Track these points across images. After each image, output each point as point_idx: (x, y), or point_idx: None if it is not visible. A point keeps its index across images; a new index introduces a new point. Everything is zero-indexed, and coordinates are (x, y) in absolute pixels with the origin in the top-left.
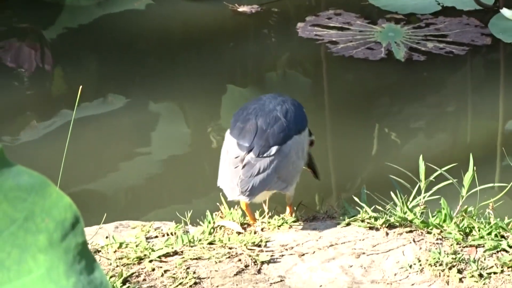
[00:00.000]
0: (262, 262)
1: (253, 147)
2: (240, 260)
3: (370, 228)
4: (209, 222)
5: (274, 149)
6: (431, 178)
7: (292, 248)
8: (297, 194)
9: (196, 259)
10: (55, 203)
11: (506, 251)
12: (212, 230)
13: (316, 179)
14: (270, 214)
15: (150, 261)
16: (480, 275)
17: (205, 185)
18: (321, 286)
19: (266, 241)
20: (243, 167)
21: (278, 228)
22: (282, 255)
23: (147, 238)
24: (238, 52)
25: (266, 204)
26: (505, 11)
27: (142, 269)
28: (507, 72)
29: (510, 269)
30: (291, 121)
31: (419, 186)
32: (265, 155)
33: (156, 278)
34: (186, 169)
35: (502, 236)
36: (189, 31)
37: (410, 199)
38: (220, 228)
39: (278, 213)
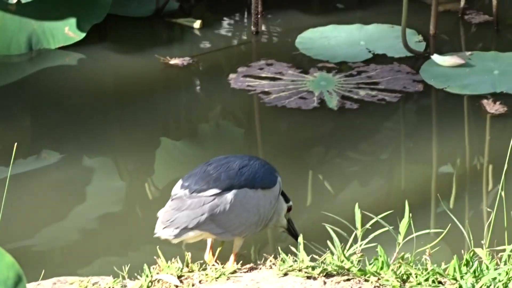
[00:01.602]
0: None
1: (191, 185)
2: None
3: (308, 277)
4: (147, 276)
5: (212, 191)
6: (367, 226)
7: None
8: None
9: None
10: None
11: None
12: (150, 284)
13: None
14: (211, 264)
15: None
16: None
17: (141, 238)
18: None
19: None
20: (172, 200)
21: (216, 280)
22: None
23: None
24: (170, 105)
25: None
26: (436, 57)
27: None
28: (439, 118)
29: None
30: (247, 174)
31: (356, 234)
32: (199, 194)
33: None
34: (122, 222)
35: (440, 282)
36: (121, 85)
37: (347, 247)
38: (158, 281)
39: (219, 262)
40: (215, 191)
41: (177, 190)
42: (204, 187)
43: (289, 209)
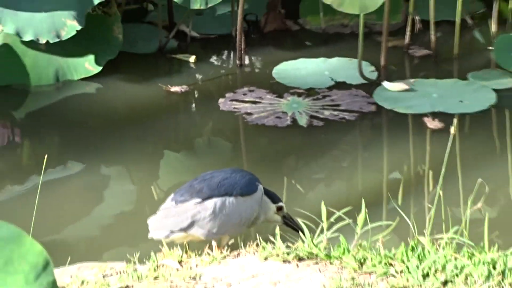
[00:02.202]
0: None
1: (177, 198)
2: None
3: (284, 261)
4: (153, 261)
5: (194, 201)
6: (331, 219)
7: (222, 279)
8: None
9: None
10: (29, 250)
11: (394, 276)
12: (156, 268)
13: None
14: (204, 252)
15: None
16: None
17: (148, 231)
18: None
19: (200, 275)
20: (161, 210)
21: (210, 264)
22: (214, 286)
23: (104, 276)
24: (171, 124)
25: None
26: (386, 84)
27: None
28: (389, 132)
29: None
30: (227, 185)
31: (322, 227)
32: (184, 204)
33: None
34: (133, 219)
35: (390, 264)
36: (132, 108)
37: (315, 237)
38: (163, 266)
39: (211, 250)
40: (197, 200)
41: (166, 203)
42: (188, 198)
43: (278, 208)
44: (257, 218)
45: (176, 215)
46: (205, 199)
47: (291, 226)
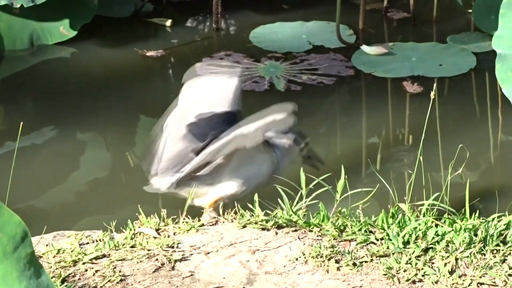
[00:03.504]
0: (175, 261)
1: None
2: (157, 259)
3: (263, 229)
4: (130, 229)
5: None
6: (310, 186)
7: (199, 248)
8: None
9: (121, 260)
10: (7, 221)
11: (374, 243)
12: (133, 236)
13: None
14: (182, 218)
15: (84, 263)
16: (354, 264)
17: (126, 198)
18: (224, 278)
19: (178, 243)
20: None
21: (187, 232)
22: (192, 254)
23: (80, 245)
24: (148, 89)
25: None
26: (364, 47)
27: (77, 270)
28: (367, 97)
29: (378, 258)
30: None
31: (301, 194)
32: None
33: (89, 277)
34: (109, 186)
35: (371, 231)
36: (107, 73)
37: (294, 204)
38: (140, 234)
39: (188, 218)
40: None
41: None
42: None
43: (304, 146)
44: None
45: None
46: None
47: (311, 162)
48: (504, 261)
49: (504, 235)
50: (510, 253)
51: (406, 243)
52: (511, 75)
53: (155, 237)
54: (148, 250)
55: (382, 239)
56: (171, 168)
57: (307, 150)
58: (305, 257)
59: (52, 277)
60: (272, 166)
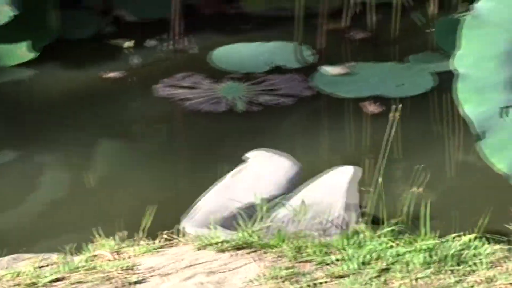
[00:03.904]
0: (133, 283)
1: None
2: (114, 282)
3: (220, 250)
4: (87, 252)
5: None
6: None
7: (157, 270)
8: (160, 225)
9: (78, 283)
10: None
11: (332, 264)
12: (90, 258)
13: None
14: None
15: (41, 286)
16: (312, 285)
17: (84, 220)
18: None
19: (136, 265)
20: None
21: (145, 254)
22: (149, 276)
23: (38, 268)
24: (107, 111)
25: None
26: (324, 68)
27: None
28: (328, 117)
29: (336, 279)
30: None
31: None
32: None
33: None
34: (68, 208)
35: (328, 253)
36: (68, 94)
37: (252, 225)
38: (97, 256)
39: (146, 240)
40: None
41: None
42: None
43: None
44: None
45: None
46: None
47: None
48: (460, 281)
49: (461, 255)
50: (467, 274)
51: (363, 264)
52: (471, 95)
53: (112, 260)
54: (106, 272)
55: (339, 260)
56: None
57: None
58: (262, 279)
59: None
60: None
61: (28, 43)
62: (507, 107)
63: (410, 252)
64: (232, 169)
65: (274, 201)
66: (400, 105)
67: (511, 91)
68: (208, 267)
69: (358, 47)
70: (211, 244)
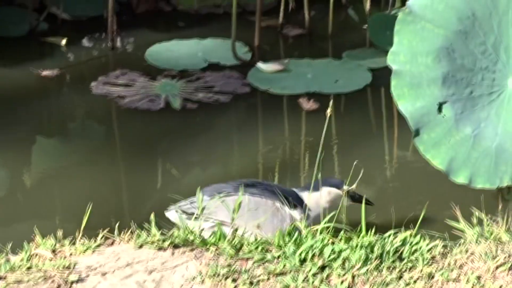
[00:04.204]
0: (72, 282)
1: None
2: (53, 281)
3: (159, 249)
4: (26, 251)
5: None
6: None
7: (96, 269)
8: (98, 223)
9: (17, 282)
10: None
11: (271, 262)
12: (29, 257)
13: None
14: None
15: None
16: (251, 283)
17: (21, 219)
18: None
19: (75, 264)
20: None
21: (84, 253)
22: (88, 275)
23: None
24: (44, 109)
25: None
26: (260, 65)
27: None
28: (264, 114)
29: (275, 276)
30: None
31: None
32: None
33: None
34: (5, 206)
35: (267, 250)
36: (2, 93)
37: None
38: (36, 255)
39: (85, 238)
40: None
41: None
42: None
43: (345, 193)
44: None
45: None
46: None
47: (359, 201)
48: (400, 277)
49: (400, 251)
50: (406, 270)
51: (303, 261)
52: (406, 91)
53: (51, 259)
54: (45, 271)
55: (279, 257)
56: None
57: (352, 193)
58: (202, 277)
59: None
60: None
61: None
62: (443, 102)
63: (349, 248)
64: (169, 167)
65: (214, 198)
66: (331, 102)
67: (448, 87)
68: (147, 265)
69: (293, 43)
70: (150, 242)
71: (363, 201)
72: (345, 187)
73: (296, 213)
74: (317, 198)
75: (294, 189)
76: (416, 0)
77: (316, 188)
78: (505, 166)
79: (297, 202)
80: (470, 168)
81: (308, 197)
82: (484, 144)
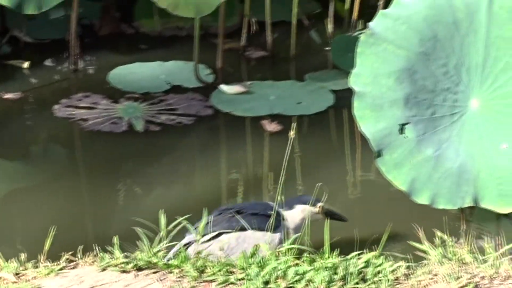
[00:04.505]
0: None
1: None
2: None
3: (123, 271)
4: None
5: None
6: (170, 227)
7: None
8: (61, 246)
9: None
10: None
11: (234, 284)
12: None
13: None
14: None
15: None
16: None
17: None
18: None
19: (39, 287)
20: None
21: (47, 276)
22: None
23: None
24: (5, 132)
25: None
26: (223, 87)
27: None
28: (227, 136)
29: None
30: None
31: (161, 235)
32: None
33: None
34: None
35: (231, 272)
36: None
37: (154, 245)
38: None
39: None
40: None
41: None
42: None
43: (320, 209)
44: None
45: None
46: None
47: (334, 218)
48: None
49: (363, 272)
50: None
51: (266, 283)
52: (368, 113)
53: (14, 282)
54: None
55: (242, 279)
56: None
57: (326, 210)
58: None
59: None
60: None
61: None
62: (405, 124)
63: (313, 270)
64: (132, 189)
65: (176, 221)
66: (294, 123)
67: (410, 108)
68: None
69: (256, 65)
70: (113, 265)
71: (338, 217)
72: (320, 204)
73: (277, 236)
74: (292, 216)
75: (270, 203)
76: (378, 21)
77: (290, 207)
78: (467, 186)
79: (276, 220)
80: (432, 188)
81: (287, 216)
82: (446, 165)
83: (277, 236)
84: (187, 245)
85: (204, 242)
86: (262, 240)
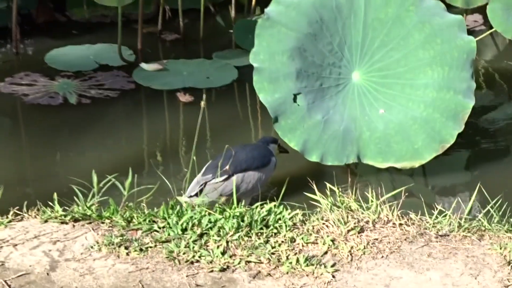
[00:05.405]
0: None
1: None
2: None
3: (62, 222)
4: None
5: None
6: (101, 185)
7: (8, 241)
8: (9, 203)
9: None
10: None
11: (157, 231)
12: None
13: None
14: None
15: None
16: (141, 249)
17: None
18: (30, 265)
19: None
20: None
21: None
22: (2, 246)
23: None
24: None
25: None
26: (142, 65)
27: None
28: (147, 107)
29: (161, 243)
30: (248, 161)
31: (94, 191)
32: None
33: None
34: None
35: (154, 221)
36: None
37: (88, 200)
38: None
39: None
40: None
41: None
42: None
43: (278, 146)
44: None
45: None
46: (229, 176)
47: (284, 151)
48: (267, 242)
49: (266, 220)
50: (272, 235)
51: (184, 230)
52: (266, 85)
53: None
54: None
55: (164, 227)
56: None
57: (281, 147)
58: (99, 246)
59: None
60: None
61: None
62: (298, 94)
63: (223, 218)
64: (68, 154)
65: (106, 179)
66: (204, 95)
67: (301, 80)
68: (52, 236)
69: (170, 46)
70: (54, 217)
71: (285, 150)
72: (279, 142)
73: (272, 162)
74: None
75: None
76: (273, 7)
77: (268, 145)
78: (351, 146)
79: (269, 154)
80: (321, 148)
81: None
82: (333, 128)
83: (272, 162)
84: (203, 185)
85: (219, 182)
86: (261, 174)
